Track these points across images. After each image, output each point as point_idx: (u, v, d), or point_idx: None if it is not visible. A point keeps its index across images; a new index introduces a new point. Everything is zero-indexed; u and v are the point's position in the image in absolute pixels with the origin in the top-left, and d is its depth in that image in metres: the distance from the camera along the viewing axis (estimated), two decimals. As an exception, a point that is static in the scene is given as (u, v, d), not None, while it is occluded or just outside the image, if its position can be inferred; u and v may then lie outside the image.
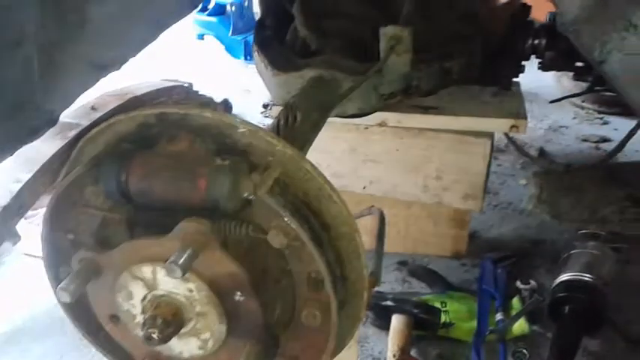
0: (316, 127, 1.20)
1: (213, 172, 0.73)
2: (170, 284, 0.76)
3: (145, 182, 0.76)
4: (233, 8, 3.99)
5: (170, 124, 0.80)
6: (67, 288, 0.75)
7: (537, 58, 1.74)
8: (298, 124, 0.97)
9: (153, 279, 0.77)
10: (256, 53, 1.59)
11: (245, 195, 0.74)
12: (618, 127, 2.98)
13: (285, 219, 0.73)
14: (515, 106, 1.77)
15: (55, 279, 0.88)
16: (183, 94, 2.82)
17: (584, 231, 1.96)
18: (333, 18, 1.54)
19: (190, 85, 3.11)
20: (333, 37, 1.50)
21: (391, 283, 1.90)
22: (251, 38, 1.76)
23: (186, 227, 0.73)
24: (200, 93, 3.24)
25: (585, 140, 2.89)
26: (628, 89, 0.82)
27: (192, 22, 4.25)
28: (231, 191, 0.72)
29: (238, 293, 0.75)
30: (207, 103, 0.78)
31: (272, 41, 1.62)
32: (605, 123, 3.09)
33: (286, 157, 0.77)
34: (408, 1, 1.45)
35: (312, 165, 0.78)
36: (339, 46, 1.49)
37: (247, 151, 0.78)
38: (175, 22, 0.96)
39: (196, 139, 0.77)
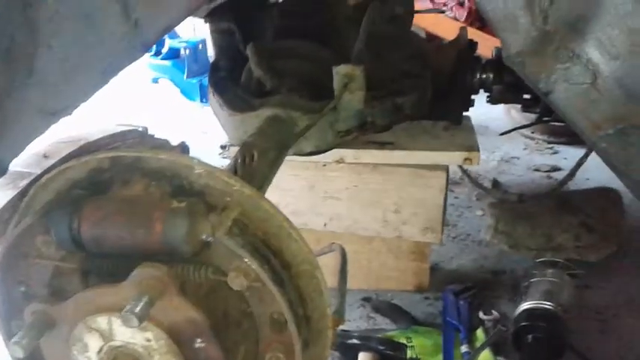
0: (274, 166, 1.20)
1: (169, 216, 0.71)
2: (127, 334, 0.73)
3: (98, 229, 0.74)
4: (187, 51, 4.01)
5: (124, 167, 0.78)
6: (19, 342, 0.71)
7: (486, 92, 1.79)
8: (256, 163, 0.97)
9: (109, 329, 0.74)
10: (211, 95, 1.59)
11: (203, 237, 0.72)
12: (568, 155, 3.09)
13: (245, 260, 0.71)
14: (467, 140, 1.82)
15: (8, 333, 0.84)
16: (138, 138, 2.79)
17: (541, 259, 1.99)
18: (287, 58, 1.56)
19: (145, 129, 3.09)
20: (287, 76, 1.52)
21: (356, 320, 1.88)
22: (206, 80, 1.77)
23: (142, 274, 0.71)
24: (156, 137, 3.21)
25: (537, 170, 2.98)
26: (575, 119, 0.85)
27: (146, 66, 4.24)
28: (188, 234, 0.71)
29: (199, 340, 0.72)
30: (162, 145, 0.76)
31: (227, 82, 1.63)
32: (555, 152, 3.19)
33: (244, 196, 0.76)
34: (359, 41, 1.48)
35: (271, 204, 0.77)
36: (294, 85, 1.51)
37: (204, 192, 0.77)
38: (126, 67, 0.95)
39: (151, 182, 0.75)
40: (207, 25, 1.72)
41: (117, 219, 0.74)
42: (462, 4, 4.40)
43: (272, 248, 0.77)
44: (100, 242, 0.75)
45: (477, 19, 4.47)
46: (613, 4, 0.76)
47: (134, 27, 0.90)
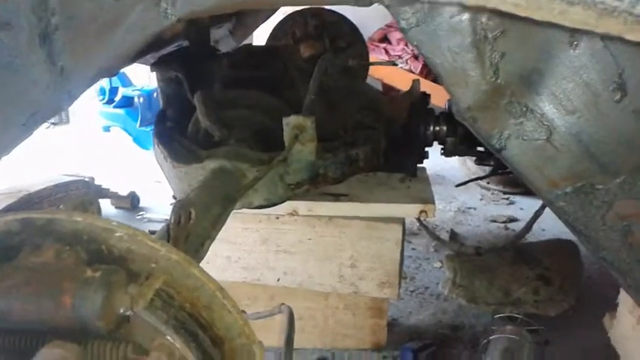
0: (218, 222, 1.12)
1: (81, 287, 0.62)
2: None
3: (1, 302, 0.64)
4: (141, 100, 3.94)
5: (35, 231, 0.69)
6: None
7: (440, 144, 1.77)
8: (194, 221, 0.89)
9: (9, 420, 0.64)
10: (156, 145, 1.51)
11: (121, 311, 0.63)
12: (524, 206, 3.11)
13: (168, 337, 0.63)
14: (422, 192, 1.78)
15: None
16: (82, 188, 2.68)
17: (500, 315, 1.95)
18: (236, 108, 1.50)
19: (91, 179, 2.98)
20: (236, 127, 1.46)
21: (310, 383, 1.78)
22: (161, 129, 1.70)
23: (48, 355, 0.61)
24: (103, 187, 3.10)
25: (494, 221, 2.98)
26: (530, 176, 0.81)
27: (97, 114, 4.15)
28: (102, 308, 0.62)
29: None
30: (86, 202, 0.68)
31: (173, 133, 1.56)
32: (511, 203, 3.21)
33: (171, 263, 0.68)
34: (310, 91, 1.44)
35: (202, 271, 0.69)
36: (244, 136, 1.45)
37: (126, 258, 0.68)
38: (49, 118, 0.87)
39: (64, 248, 0.67)
40: (154, 73, 1.66)
41: (22, 290, 0.64)
42: (416, 57, 4.48)
43: (202, 321, 0.68)
44: (4, 316, 0.65)
45: (432, 71, 4.57)
46: (567, 57, 0.73)
47: (60, 75, 0.83)
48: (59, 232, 0.68)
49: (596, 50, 0.71)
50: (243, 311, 1.15)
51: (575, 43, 0.71)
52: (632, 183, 0.76)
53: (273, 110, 1.48)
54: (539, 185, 0.81)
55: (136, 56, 1.49)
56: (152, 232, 0.80)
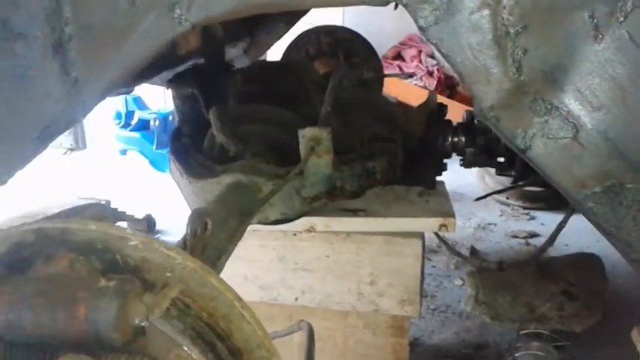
0: (235, 236, 1.10)
1: (95, 297, 0.60)
2: None
3: (14, 314, 0.63)
4: (157, 122, 3.97)
5: (49, 241, 0.67)
6: None
7: (459, 155, 1.74)
8: (209, 232, 0.87)
9: None
10: (172, 162, 1.50)
11: (136, 322, 0.61)
12: (545, 221, 3.05)
13: (185, 348, 0.60)
14: (442, 205, 1.75)
15: None
16: (99, 211, 2.68)
17: (525, 331, 1.90)
18: (251, 122, 1.49)
19: (108, 202, 2.98)
20: (252, 141, 1.45)
21: (331, 404, 1.74)
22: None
23: (60, 368, 0.59)
24: (119, 210, 3.10)
25: (515, 236, 2.93)
26: (557, 176, 0.78)
27: (114, 138, 4.18)
28: (117, 318, 0.60)
29: None
30: (97, 216, 0.66)
31: (189, 149, 1.55)
32: (532, 218, 3.15)
33: (187, 272, 0.66)
34: (326, 104, 1.43)
35: (220, 280, 0.67)
36: (259, 150, 1.43)
37: (141, 267, 0.66)
38: (63, 131, 0.86)
39: (78, 258, 0.65)
40: (170, 96, 1.66)
41: (35, 301, 0.62)
42: (431, 74, 4.49)
43: (220, 332, 0.65)
44: (16, 329, 0.63)
45: (447, 87, 4.57)
46: (592, 51, 0.70)
47: (73, 86, 0.82)
48: (73, 241, 0.66)
49: (622, 43, 0.69)
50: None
51: (600, 36, 0.69)
52: (664, 181, 0.73)
53: (288, 124, 1.46)
54: (567, 186, 0.78)
55: (153, 72, 1.50)
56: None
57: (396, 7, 0.91)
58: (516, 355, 1.68)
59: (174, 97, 1.64)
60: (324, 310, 1.80)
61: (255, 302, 1.80)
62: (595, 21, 0.67)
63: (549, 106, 0.75)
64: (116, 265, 0.66)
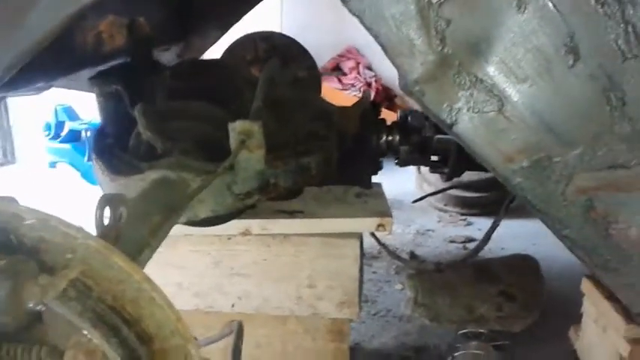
0: (159, 231, 1.03)
1: (-20, 278, 0.54)
2: None
3: None
4: (88, 133, 3.81)
5: None
6: None
7: (393, 154, 1.74)
8: (124, 221, 0.80)
9: None
10: (94, 162, 1.42)
11: (30, 305, 0.55)
12: (481, 226, 3.10)
13: (84, 331, 0.54)
14: (379, 206, 1.74)
15: None
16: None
17: (464, 331, 1.90)
18: (180, 119, 1.43)
19: (25, 206, 2.82)
20: (180, 139, 1.39)
21: (269, 413, 1.68)
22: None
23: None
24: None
25: (452, 241, 2.96)
26: (484, 152, 0.76)
27: (44, 149, 4.00)
28: (8, 300, 0.53)
29: None
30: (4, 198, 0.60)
31: (113, 148, 1.47)
32: (469, 224, 3.20)
33: (90, 252, 0.60)
34: (257, 97, 1.39)
35: (127, 260, 0.61)
36: (189, 147, 1.37)
37: (39, 248, 0.60)
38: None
39: (-35, 239, 0.58)
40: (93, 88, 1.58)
41: None
42: (369, 85, 4.54)
43: (127, 317, 0.60)
44: None
45: (385, 98, 4.62)
46: (516, 21, 0.69)
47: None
48: (-40, 221, 0.60)
49: (546, 13, 0.68)
50: (194, 338, 1.06)
51: (524, 6, 0.68)
52: (592, 154, 0.72)
53: (219, 121, 1.41)
54: (495, 161, 0.76)
55: (76, 67, 1.42)
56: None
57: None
58: (456, 355, 1.68)
59: (97, 95, 1.56)
60: (262, 317, 1.75)
61: (189, 311, 1.73)
62: (518, -11, 0.67)
63: (474, 79, 0.73)
64: (10, 246, 0.59)
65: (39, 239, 0.59)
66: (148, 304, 0.61)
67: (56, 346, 0.57)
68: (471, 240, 2.96)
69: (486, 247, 2.21)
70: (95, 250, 0.60)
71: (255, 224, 1.63)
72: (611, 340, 1.37)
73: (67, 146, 3.84)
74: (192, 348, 0.62)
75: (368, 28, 0.73)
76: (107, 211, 0.79)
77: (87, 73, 1.57)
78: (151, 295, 0.61)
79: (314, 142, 1.53)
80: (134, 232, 0.89)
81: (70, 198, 3.66)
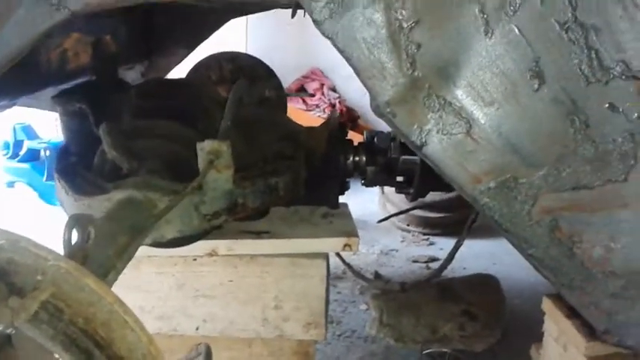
0: (125, 252, 1.02)
1: (-54, 301, 0.52)
2: None
3: None
4: (47, 153, 3.73)
5: None
6: None
7: (360, 174, 1.76)
8: (92, 242, 0.79)
9: None
10: (57, 181, 1.39)
11: (0, 327, 0.53)
12: (444, 246, 3.15)
13: (56, 355, 0.53)
14: (345, 226, 1.75)
15: None
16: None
17: (428, 351, 1.91)
18: (145, 138, 1.42)
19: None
20: (147, 158, 1.37)
21: None
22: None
23: None
24: None
25: (415, 261, 2.99)
26: (452, 173, 0.78)
27: (1, 169, 3.89)
28: (-26, 325, 0.52)
29: None
30: None
31: (77, 168, 1.44)
32: (432, 244, 3.24)
33: (61, 274, 0.58)
34: (226, 117, 1.39)
35: (99, 282, 0.60)
36: (156, 167, 1.36)
37: (7, 269, 0.58)
38: None
39: None
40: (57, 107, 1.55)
41: None
42: (333, 106, 4.58)
43: (98, 340, 0.58)
44: None
45: (348, 119, 4.67)
46: (484, 46, 0.72)
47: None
48: None
49: (512, 38, 0.71)
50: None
51: (491, 31, 0.71)
52: (556, 175, 0.75)
53: (187, 140, 1.40)
54: (462, 182, 0.78)
55: (39, 86, 1.40)
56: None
57: (293, 14, 0.90)
58: (421, 374, 1.69)
59: (60, 114, 1.54)
60: (226, 339, 1.72)
61: (152, 334, 1.69)
62: (485, 16, 0.69)
63: (443, 102, 0.75)
64: (-24, 268, 0.58)
65: (8, 260, 0.58)
66: (120, 327, 0.60)
67: (25, 370, 0.55)
68: (433, 259, 2.99)
69: (449, 267, 2.24)
70: (66, 272, 0.58)
71: (221, 245, 1.61)
72: (572, 357, 1.39)
73: (25, 165, 3.75)
74: (164, 370, 0.61)
75: (340, 51, 0.75)
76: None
77: (50, 91, 1.54)
78: (123, 318, 0.60)
79: (282, 162, 1.53)
80: (101, 254, 0.88)
81: (28, 218, 3.56)
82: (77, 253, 0.73)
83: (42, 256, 0.58)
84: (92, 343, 0.57)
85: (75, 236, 0.77)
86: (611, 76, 0.70)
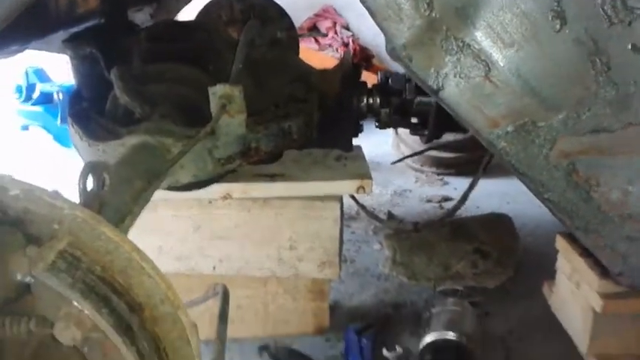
0: (141, 197, 1.02)
1: (-33, 251, 0.53)
2: None
3: None
4: (60, 96, 3.71)
5: None
6: None
7: (374, 116, 1.73)
8: (108, 189, 0.79)
9: None
10: (71, 127, 1.39)
11: (18, 277, 0.54)
12: (457, 186, 3.14)
13: (75, 302, 0.54)
14: (359, 168, 1.75)
15: None
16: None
17: (441, 288, 1.94)
18: (158, 82, 1.40)
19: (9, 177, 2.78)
20: (159, 102, 1.36)
21: (253, 372, 1.71)
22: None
23: None
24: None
25: (429, 201, 2.99)
26: (469, 117, 0.77)
27: (15, 112, 3.90)
28: (-5, 274, 0.53)
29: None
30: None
31: (90, 113, 1.44)
32: (445, 184, 3.23)
33: (77, 223, 0.59)
34: (237, 59, 1.37)
35: (115, 231, 0.61)
36: (168, 111, 1.35)
37: (24, 220, 0.59)
38: None
39: (-51, 211, 0.57)
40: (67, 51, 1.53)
41: None
42: (346, 45, 4.48)
43: (117, 287, 0.59)
44: None
45: (362, 59, 4.58)
46: (504, -15, 0.69)
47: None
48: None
49: (534, -24, 0.68)
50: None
51: (512, -31, 0.68)
52: (576, 118, 0.73)
53: (198, 84, 1.39)
54: (479, 126, 0.77)
55: (49, 30, 1.37)
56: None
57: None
58: (433, 311, 1.71)
59: (71, 58, 1.52)
60: (243, 278, 1.76)
61: (171, 274, 1.73)
62: (506, -48, 0.66)
63: (461, 44, 0.73)
64: (-5, 218, 0.58)
65: (24, 210, 0.58)
66: (138, 274, 0.61)
67: (45, 317, 0.56)
68: (447, 199, 2.99)
69: (462, 206, 2.24)
70: (82, 221, 0.59)
71: (235, 188, 1.62)
72: (585, 295, 1.41)
73: (38, 109, 3.75)
74: (183, 315, 0.63)
75: (355, -8, 0.72)
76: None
77: (61, 35, 1.52)
78: (141, 265, 0.60)
79: (294, 105, 1.51)
80: (117, 200, 0.88)
81: (44, 161, 3.60)
82: (93, 201, 0.73)
83: (57, 205, 0.59)
84: (110, 290, 0.58)
85: (90, 183, 0.77)
86: (635, 16, 0.67)
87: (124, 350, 0.55)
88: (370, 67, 4.50)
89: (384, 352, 1.69)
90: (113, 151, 1.22)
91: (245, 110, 1.27)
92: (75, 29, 1.58)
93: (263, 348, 1.79)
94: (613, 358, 1.41)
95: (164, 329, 0.62)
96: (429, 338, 1.58)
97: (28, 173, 3.27)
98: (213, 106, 1.24)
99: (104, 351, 0.56)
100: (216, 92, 1.24)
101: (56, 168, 3.47)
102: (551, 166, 0.77)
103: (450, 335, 1.57)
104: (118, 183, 0.92)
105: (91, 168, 0.74)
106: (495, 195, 2.91)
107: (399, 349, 1.69)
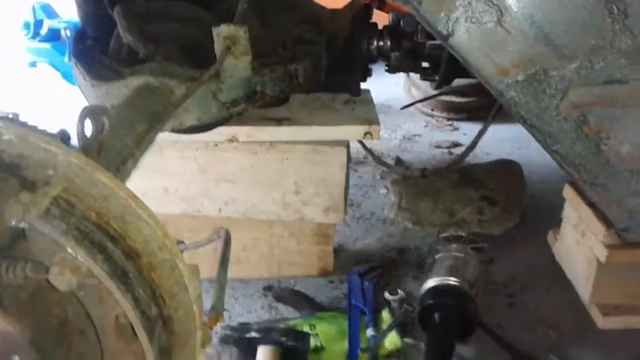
0: (143, 141, 1.01)
1: (-40, 196, 0.52)
2: None
3: None
4: (68, 32, 3.65)
5: None
6: None
7: (384, 60, 1.69)
8: (107, 132, 0.78)
9: None
10: (75, 65, 1.37)
11: (13, 223, 0.54)
12: (467, 131, 3.10)
13: (69, 249, 0.54)
14: (367, 113, 1.72)
15: None
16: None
17: (445, 234, 1.94)
18: (162, 21, 1.36)
19: (16, 115, 2.77)
20: (163, 42, 1.33)
21: (257, 311, 1.74)
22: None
23: None
24: (29, 124, 2.89)
25: (438, 146, 2.96)
26: (479, 64, 0.74)
27: (23, 49, 3.86)
28: (-11, 219, 0.52)
29: (15, 357, 0.54)
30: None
31: (93, 52, 1.41)
32: (455, 129, 3.20)
33: (72, 169, 0.58)
34: (242, 1, 1.32)
35: (111, 177, 0.60)
36: (172, 52, 1.32)
37: (18, 165, 0.58)
38: None
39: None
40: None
41: None
42: (360, -17, 4.34)
43: (112, 233, 0.59)
44: None
45: (376, -2, 4.45)
46: None
47: None
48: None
49: None
50: (182, 241, 1.07)
51: None
52: (589, 67, 0.70)
53: (203, 23, 1.35)
54: (489, 74, 0.74)
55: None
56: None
57: None
58: (436, 257, 1.72)
59: (74, -5, 1.48)
60: (248, 221, 1.77)
61: (177, 215, 1.74)
62: None
63: (473, -13, 0.69)
64: (-11, 163, 0.58)
65: (18, 155, 0.57)
66: (134, 220, 0.60)
67: (41, 262, 0.56)
68: (456, 145, 2.96)
69: (471, 153, 2.21)
70: (77, 167, 0.58)
71: (241, 131, 1.60)
72: (590, 244, 1.41)
73: (46, 45, 3.70)
74: (180, 262, 0.63)
75: None
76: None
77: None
78: (137, 212, 0.60)
79: (302, 48, 1.47)
80: (118, 143, 0.87)
81: (52, 98, 3.58)
82: (92, 145, 0.72)
83: (52, 150, 0.58)
84: (106, 237, 0.58)
85: (89, 128, 0.76)
86: (657, -39, 0.63)
87: (118, 296, 0.55)
88: (383, 7, 4.37)
89: (386, 295, 1.71)
90: (116, 91, 1.20)
91: (250, 52, 1.24)
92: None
93: (267, 288, 1.82)
94: (615, 308, 1.42)
95: (162, 276, 0.62)
96: (431, 283, 1.59)
97: (37, 110, 3.26)
98: (218, 47, 1.21)
99: (100, 297, 0.57)
100: (221, 33, 1.20)
101: (64, 105, 3.46)
102: (561, 118, 0.75)
103: (452, 281, 1.58)
104: (119, 126, 0.91)
105: (89, 112, 0.72)
106: (507, 141, 2.88)
107: (401, 292, 1.71)
